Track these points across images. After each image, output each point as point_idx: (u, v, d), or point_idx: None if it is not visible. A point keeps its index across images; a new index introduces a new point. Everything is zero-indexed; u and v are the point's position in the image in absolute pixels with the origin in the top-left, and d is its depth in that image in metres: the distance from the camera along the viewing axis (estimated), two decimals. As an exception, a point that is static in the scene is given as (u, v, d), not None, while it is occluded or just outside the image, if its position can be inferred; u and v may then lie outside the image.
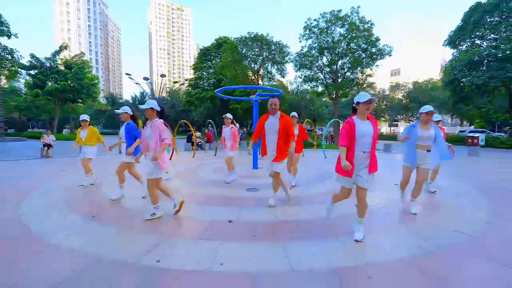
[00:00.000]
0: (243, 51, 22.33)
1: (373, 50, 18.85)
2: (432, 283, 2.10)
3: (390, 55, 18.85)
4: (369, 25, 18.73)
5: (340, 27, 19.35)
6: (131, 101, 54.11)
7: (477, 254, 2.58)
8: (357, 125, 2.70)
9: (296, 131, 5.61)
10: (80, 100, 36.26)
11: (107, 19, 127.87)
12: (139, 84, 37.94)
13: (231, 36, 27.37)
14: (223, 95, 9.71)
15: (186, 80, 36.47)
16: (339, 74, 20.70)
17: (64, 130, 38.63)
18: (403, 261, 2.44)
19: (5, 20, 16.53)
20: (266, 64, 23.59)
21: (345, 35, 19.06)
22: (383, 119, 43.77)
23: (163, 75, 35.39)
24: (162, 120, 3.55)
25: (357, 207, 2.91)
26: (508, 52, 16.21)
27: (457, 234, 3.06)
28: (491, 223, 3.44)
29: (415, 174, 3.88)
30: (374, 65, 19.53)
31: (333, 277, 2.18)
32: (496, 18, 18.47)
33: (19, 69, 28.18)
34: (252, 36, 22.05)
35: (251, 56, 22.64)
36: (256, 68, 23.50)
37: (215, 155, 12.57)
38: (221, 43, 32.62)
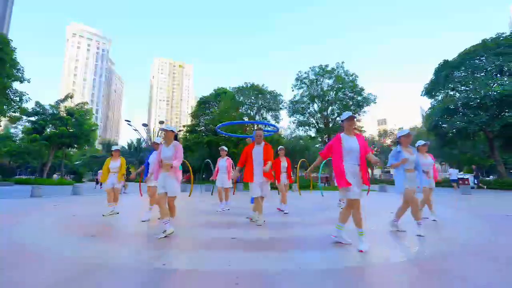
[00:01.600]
0: (241, 99, 24.07)
1: (359, 98, 20.74)
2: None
3: (375, 103, 20.71)
4: (353, 77, 21.02)
5: (328, 79, 21.61)
6: (126, 147, 54.54)
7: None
8: (343, 140, 3.01)
9: (285, 163, 6.12)
10: (76, 146, 36.37)
11: (112, 74, 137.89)
12: (137, 130, 38.99)
13: (229, 86, 29.71)
14: (222, 132, 10.19)
15: (183, 126, 37.71)
16: (330, 119, 22.16)
17: (54, 175, 37.67)
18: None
19: (21, 67, 17.96)
20: (262, 111, 25.18)
21: (333, 85, 21.15)
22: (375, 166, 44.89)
23: (161, 122, 36.66)
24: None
25: (354, 219, 3.00)
26: (478, 101, 18.04)
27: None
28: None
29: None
30: (362, 112, 21.20)
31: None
32: (463, 73, 21.02)
33: (21, 115, 28.96)
34: (249, 86, 24.10)
35: (247, 103, 24.30)
36: (252, 114, 24.97)
37: (211, 194, 12.44)
38: (219, 93, 35.02)
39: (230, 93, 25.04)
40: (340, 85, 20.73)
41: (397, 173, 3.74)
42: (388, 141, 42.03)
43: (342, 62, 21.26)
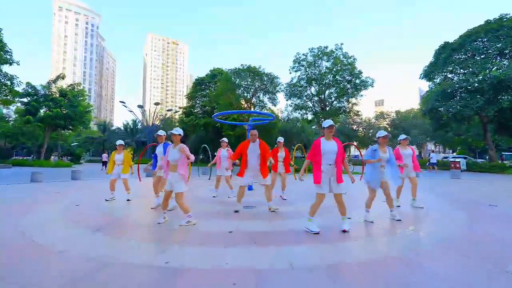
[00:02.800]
0: (237, 81, 23.65)
1: (357, 81, 20.53)
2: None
3: (372, 86, 20.53)
4: (352, 59, 20.61)
5: (326, 61, 21.19)
6: (123, 128, 54.08)
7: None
8: (322, 144, 3.52)
9: (283, 153, 6.36)
10: (71, 127, 36.01)
11: (104, 51, 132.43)
12: (133, 111, 38.42)
13: (225, 67, 29.04)
14: (219, 120, 10.20)
15: (180, 108, 37.20)
16: (327, 103, 22.07)
17: (52, 157, 37.62)
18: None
19: (9, 49, 17.29)
20: (258, 94, 24.88)
21: (331, 68, 20.80)
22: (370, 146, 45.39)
23: (157, 103, 36.10)
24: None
25: (338, 209, 3.64)
26: (476, 84, 18.02)
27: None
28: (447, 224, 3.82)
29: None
30: (359, 95, 21.09)
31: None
32: (463, 56, 20.74)
33: (14, 97, 28.27)
34: (245, 67, 23.56)
35: (244, 85, 23.93)
36: (248, 97, 24.70)
37: (209, 179, 12.68)
38: (215, 74, 34.22)
39: (226, 74, 24.52)
40: (338, 68, 20.40)
41: (368, 167, 4.36)
42: (384, 123, 42.23)
43: (341, 44, 20.72)
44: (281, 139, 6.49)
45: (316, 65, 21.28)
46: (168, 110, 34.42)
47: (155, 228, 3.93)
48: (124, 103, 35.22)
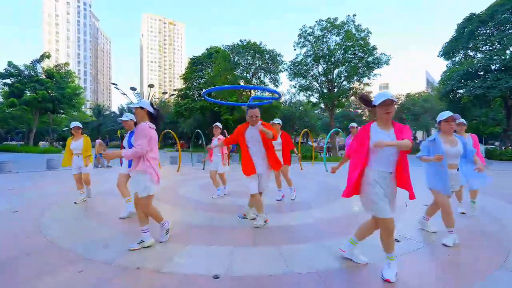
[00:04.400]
0: (235, 59, 21.42)
1: (370, 59, 18.25)
2: None
3: (388, 64, 18.26)
4: (365, 33, 18.23)
5: (336, 35, 18.80)
6: (118, 112, 52.25)
7: None
8: (372, 133, 2.04)
9: (280, 139, 4.83)
10: (61, 111, 34.14)
11: (98, 32, 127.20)
12: (126, 94, 36.38)
13: (223, 44, 26.65)
14: (211, 99, 8.44)
15: (175, 90, 35.15)
16: (335, 83, 19.93)
17: (41, 142, 36.09)
18: None
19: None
20: (259, 74, 22.69)
21: (341, 43, 18.47)
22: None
23: (151, 85, 34.06)
24: (150, 124, 2.69)
25: (382, 240, 2.10)
26: (506, 62, 15.90)
27: None
28: None
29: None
30: (372, 74, 18.90)
31: None
32: (488, 31, 18.44)
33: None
34: (244, 43, 21.25)
35: (243, 64, 21.74)
36: (248, 77, 22.52)
37: (203, 169, 11.18)
38: (212, 53, 31.78)
39: (224, 52, 22.24)
40: (350, 43, 18.01)
41: (428, 166, 2.90)
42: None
43: (354, 15, 18.14)
44: (277, 122, 4.89)
45: (325, 39, 18.80)
46: (163, 93, 32.36)
47: (93, 264, 2.33)
48: (116, 84, 33.12)
